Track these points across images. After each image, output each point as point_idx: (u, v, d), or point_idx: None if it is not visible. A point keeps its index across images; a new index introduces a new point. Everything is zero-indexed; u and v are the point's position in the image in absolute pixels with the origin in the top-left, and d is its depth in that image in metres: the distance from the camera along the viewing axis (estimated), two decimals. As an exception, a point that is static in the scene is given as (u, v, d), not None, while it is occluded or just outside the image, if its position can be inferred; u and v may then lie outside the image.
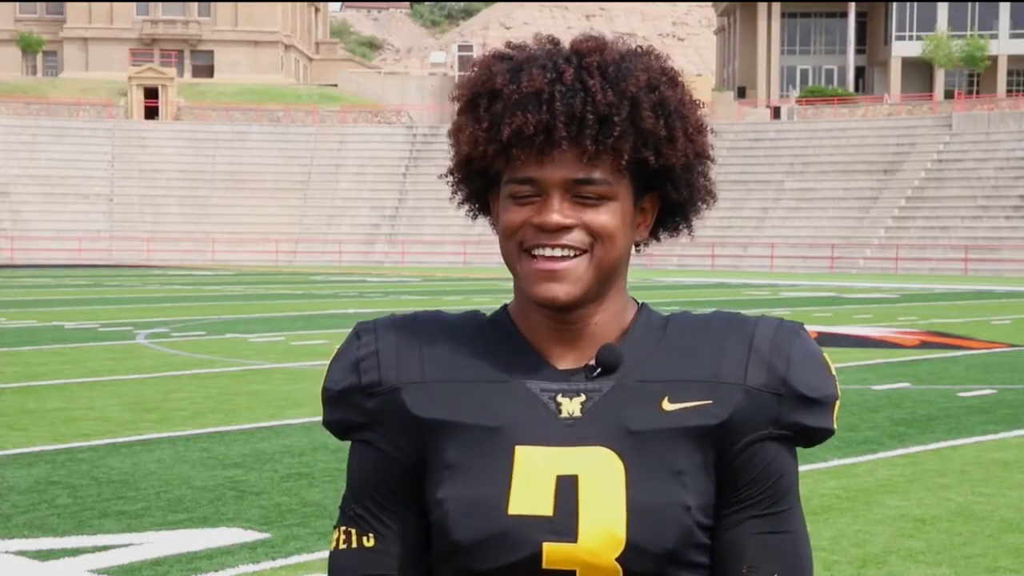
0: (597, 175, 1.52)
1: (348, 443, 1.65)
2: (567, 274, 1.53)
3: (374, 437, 1.60)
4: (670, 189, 1.59)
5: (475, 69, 1.60)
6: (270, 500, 7.85)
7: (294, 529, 7.12)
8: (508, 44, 1.62)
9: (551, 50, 1.58)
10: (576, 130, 1.51)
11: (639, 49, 1.60)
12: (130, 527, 7.16)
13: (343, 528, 1.63)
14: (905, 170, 58.61)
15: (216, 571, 6.31)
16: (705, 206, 1.65)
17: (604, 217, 1.53)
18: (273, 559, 6.52)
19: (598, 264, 1.54)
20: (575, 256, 1.53)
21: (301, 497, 7.93)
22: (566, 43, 1.60)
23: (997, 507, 7.86)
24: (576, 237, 1.53)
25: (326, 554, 6.68)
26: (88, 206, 62.64)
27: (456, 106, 1.61)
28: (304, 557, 6.57)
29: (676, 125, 1.56)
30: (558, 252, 1.53)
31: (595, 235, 1.53)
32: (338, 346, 1.66)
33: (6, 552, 6.66)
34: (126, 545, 6.76)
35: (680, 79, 1.60)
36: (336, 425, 1.64)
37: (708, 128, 1.62)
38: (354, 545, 1.61)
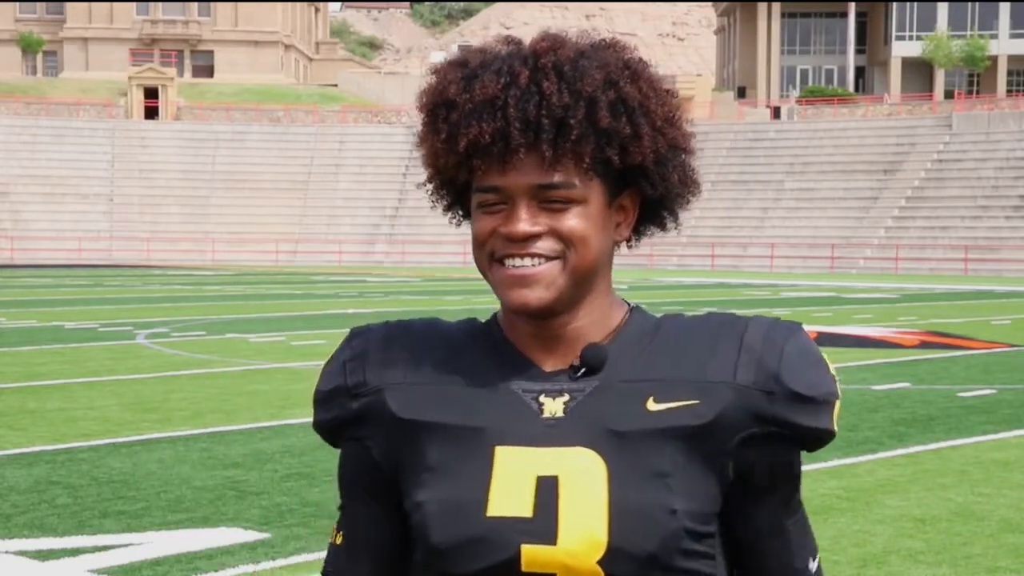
0: (560, 179, 1.48)
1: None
2: (538, 279, 1.50)
3: (359, 435, 1.59)
4: (645, 185, 1.55)
5: (433, 78, 1.57)
6: (270, 500, 7.86)
7: (294, 529, 7.12)
8: (464, 48, 1.59)
9: (509, 52, 1.54)
10: (533, 135, 1.47)
11: (602, 43, 1.56)
12: (130, 527, 7.16)
13: (336, 521, 1.66)
14: (905, 170, 58.61)
15: (216, 571, 6.31)
16: (690, 197, 1.60)
17: (573, 221, 1.49)
18: (273, 559, 6.52)
19: (572, 269, 1.51)
20: (546, 262, 1.50)
21: (301, 497, 7.93)
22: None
23: (997, 507, 7.87)
24: (546, 244, 1.50)
25: (326, 554, 6.72)
26: (88, 206, 62.64)
27: (420, 115, 1.58)
28: (304, 557, 6.57)
29: (640, 121, 1.51)
30: (528, 261, 1.50)
31: (565, 240, 1.50)
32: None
33: (6, 552, 6.66)
34: (126, 545, 6.76)
35: (646, 71, 1.55)
36: (324, 425, 1.63)
37: (681, 119, 1.57)
38: (333, 539, 1.65)
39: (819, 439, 1.55)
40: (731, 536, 1.57)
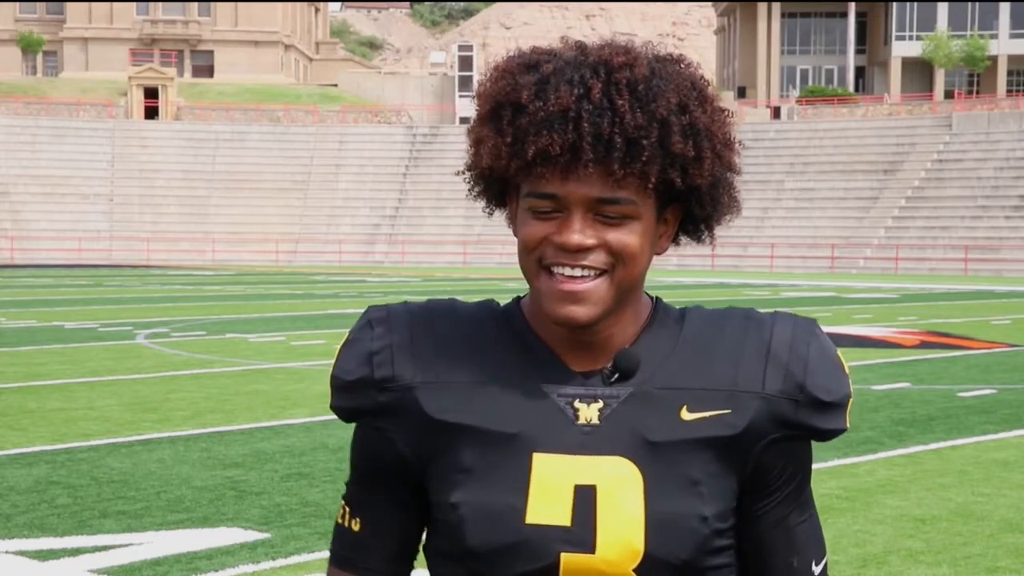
0: (623, 195, 1.49)
1: (351, 430, 1.66)
2: (587, 296, 1.50)
3: (381, 426, 1.59)
4: (695, 205, 1.57)
5: (498, 75, 1.55)
6: (270, 500, 7.85)
7: (294, 529, 7.12)
8: (534, 49, 1.57)
9: (577, 59, 1.53)
10: (603, 151, 1.47)
11: (668, 57, 1.56)
12: (130, 527, 7.16)
13: (344, 502, 1.67)
14: (905, 170, 58.63)
15: (216, 571, 6.31)
16: (730, 217, 1.62)
17: (627, 237, 1.50)
18: (273, 559, 6.52)
19: (619, 284, 1.51)
20: (595, 276, 1.50)
21: (301, 497, 7.92)
22: (592, 45, 1.56)
23: (997, 507, 7.87)
24: (597, 258, 1.50)
25: (326, 554, 6.69)
26: (88, 206, 62.63)
27: (476, 107, 1.57)
28: (304, 557, 6.57)
29: (704, 145, 1.52)
30: (578, 272, 1.50)
31: (616, 255, 1.50)
32: (350, 329, 1.63)
33: (6, 552, 6.66)
34: (126, 545, 6.76)
35: (709, 91, 1.56)
36: (343, 411, 1.63)
37: (736, 141, 1.59)
38: (346, 524, 1.66)
39: (831, 437, 1.60)
40: (741, 530, 1.60)
